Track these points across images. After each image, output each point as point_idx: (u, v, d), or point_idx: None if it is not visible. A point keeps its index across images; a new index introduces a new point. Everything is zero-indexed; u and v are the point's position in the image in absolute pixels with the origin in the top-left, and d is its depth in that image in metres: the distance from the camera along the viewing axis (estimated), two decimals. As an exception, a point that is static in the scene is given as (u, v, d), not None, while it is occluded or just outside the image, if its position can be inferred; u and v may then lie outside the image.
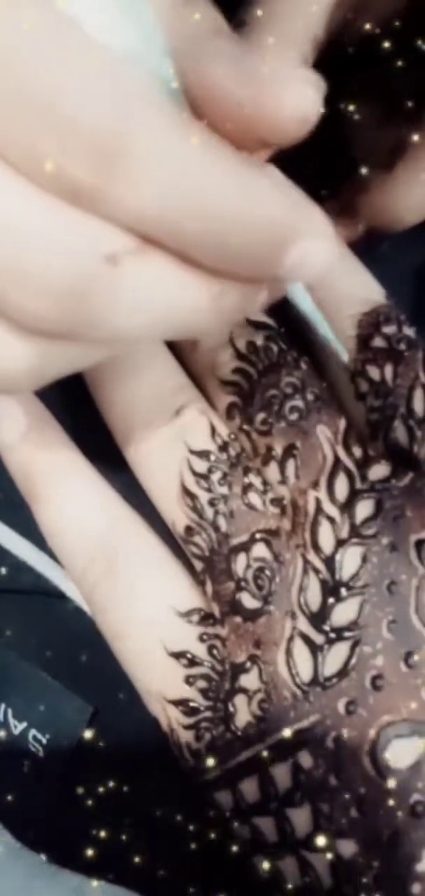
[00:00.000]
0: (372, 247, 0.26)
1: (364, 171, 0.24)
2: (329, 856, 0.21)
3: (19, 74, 0.15)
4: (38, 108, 0.15)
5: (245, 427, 0.24)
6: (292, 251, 0.17)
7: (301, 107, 0.16)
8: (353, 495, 0.23)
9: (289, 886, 0.21)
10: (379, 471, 0.23)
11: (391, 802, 0.21)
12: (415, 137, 0.23)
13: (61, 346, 0.17)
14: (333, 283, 0.25)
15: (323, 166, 0.24)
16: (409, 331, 0.25)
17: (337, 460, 0.23)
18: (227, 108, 0.16)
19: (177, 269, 0.17)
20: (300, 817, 0.21)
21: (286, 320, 0.25)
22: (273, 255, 0.17)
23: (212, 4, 0.18)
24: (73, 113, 0.15)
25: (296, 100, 0.16)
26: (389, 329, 0.24)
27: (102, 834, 0.24)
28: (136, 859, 0.23)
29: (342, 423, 0.24)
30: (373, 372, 0.24)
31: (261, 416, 0.24)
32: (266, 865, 0.22)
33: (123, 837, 0.24)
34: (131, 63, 0.15)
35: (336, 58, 0.24)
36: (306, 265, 0.17)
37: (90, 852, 0.23)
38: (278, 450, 0.24)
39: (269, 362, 0.25)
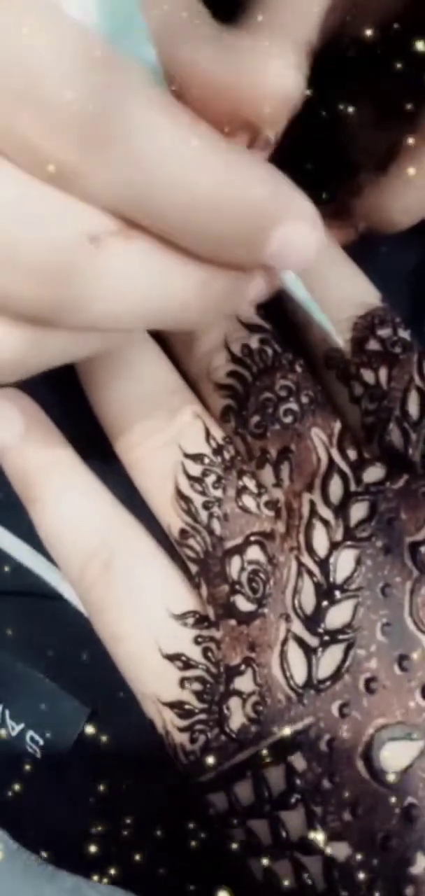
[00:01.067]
0: (368, 249, 0.26)
1: (359, 173, 0.24)
2: (323, 858, 0.21)
3: (0, 56, 0.15)
4: (20, 89, 0.15)
5: (240, 430, 0.24)
6: (275, 236, 0.17)
7: (281, 85, 0.16)
8: (347, 498, 0.23)
9: (284, 888, 0.21)
10: (373, 473, 0.23)
11: (384, 805, 0.21)
12: (410, 140, 0.23)
13: (48, 334, 0.17)
14: (329, 286, 0.25)
15: (318, 168, 0.24)
16: (404, 333, 0.25)
17: (331, 463, 0.24)
18: (209, 90, 0.16)
19: (162, 254, 0.17)
20: (294, 819, 0.21)
21: (281, 323, 0.25)
22: (256, 240, 0.17)
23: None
24: (54, 95, 0.15)
25: (277, 78, 0.16)
26: (384, 332, 0.24)
27: (100, 834, 0.24)
28: (135, 858, 0.24)
29: (337, 426, 0.24)
30: (368, 375, 0.24)
31: (255, 418, 0.24)
32: (260, 867, 0.22)
33: (121, 837, 0.24)
34: (113, 46, 0.15)
35: (332, 61, 0.24)
36: (290, 250, 0.17)
37: (88, 852, 0.24)
38: (273, 452, 0.24)
39: (264, 365, 0.25)
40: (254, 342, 0.25)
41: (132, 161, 0.15)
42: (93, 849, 0.23)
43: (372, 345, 0.24)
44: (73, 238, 0.16)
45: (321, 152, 0.24)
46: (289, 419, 0.24)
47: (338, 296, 0.25)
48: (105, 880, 0.23)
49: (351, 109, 0.24)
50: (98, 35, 0.15)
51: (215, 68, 0.16)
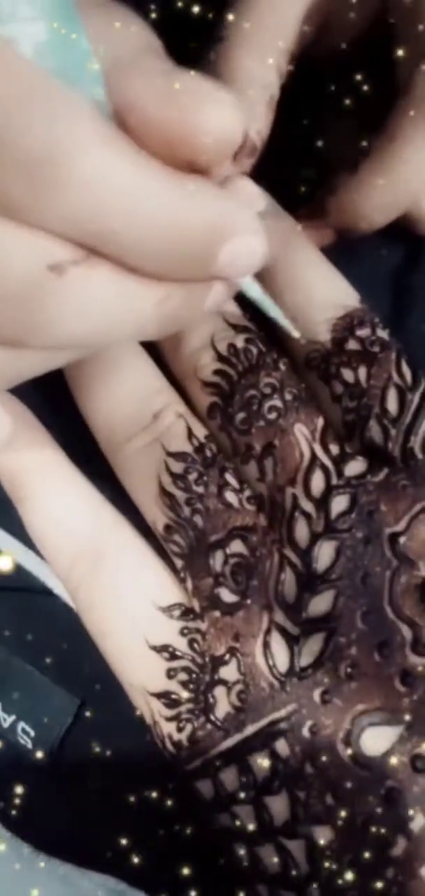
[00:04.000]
0: (347, 251, 0.27)
1: (333, 174, 0.25)
2: (306, 842, 0.21)
3: None
4: None
5: (225, 426, 0.25)
6: (224, 250, 0.18)
7: (221, 129, 0.17)
8: (329, 491, 0.24)
9: (269, 873, 0.22)
10: (355, 467, 0.24)
11: (365, 789, 0.21)
12: (378, 140, 0.23)
13: (16, 353, 0.18)
14: (308, 288, 0.25)
15: (294, 170, 0.25)
16: (383, 333, 0.25)
17: (313, 457, 0.24)
18: (153, 128, 0.17)
19: (120, 277, 0.18)
20: (278, 805, 0.22)
21: (265, 327, 0.26)
22: (206, 256, 0.18)
23: (151, 27, 0.19)
24: (7, 133, 0.16)
25: (215, 120, 0.17)
26: (363, 332, 0.25)
27: (91, 823, 0.25)
28: (124, 844, 0.24)
29: (320, 422, 0.25)
30: (348, 374, 0.25)
31: (240, 415, 0.25)
32: (246, 853, 0.22)
33: (112, 826, 0.25)
34: (64, 84, 0.16)
35: (307, 69, 0.25)
36: (239, 262, 0.18)
37: (79, 841, 0.24)
38: (257, 448, 0.25)
39: (249, 364, 0.25)
40: (239, 341, 0.26)
41: (83, 195, 0.16)
42: (83, 837, 0.24)
43: (352, 345, 0.25)
44: (34, 269, 0.17)
45: (297, 154, 0.25)
46: (273, 415, 0.25)
47: (318, 298, 0.25)
48: (95, 868, 0.24)
49: (325, 112, 0.25)
50: (48, 72, 0.16)
51: (158, 108, 0.17)
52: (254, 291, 0.21)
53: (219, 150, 0.18)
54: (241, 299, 0.26)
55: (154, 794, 0.24)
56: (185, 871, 0.23)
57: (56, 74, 0.16)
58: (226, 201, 0.18)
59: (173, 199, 0.17)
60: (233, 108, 0.17)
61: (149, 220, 0.17)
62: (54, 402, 0.26)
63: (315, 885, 0.21)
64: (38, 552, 0.25)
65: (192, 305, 0.19)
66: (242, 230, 0.18)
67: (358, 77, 0.25)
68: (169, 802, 0.24)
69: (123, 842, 0.24)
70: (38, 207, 0.16)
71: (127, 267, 0.18)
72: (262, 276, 0.26)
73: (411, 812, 0.21)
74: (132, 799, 0.24)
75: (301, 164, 0.26)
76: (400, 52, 0.24)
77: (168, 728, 0.23)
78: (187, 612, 0.24)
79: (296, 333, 0.24)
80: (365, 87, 0.24)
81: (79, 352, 0.21)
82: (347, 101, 0.25)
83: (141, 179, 0.17)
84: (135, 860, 0.24)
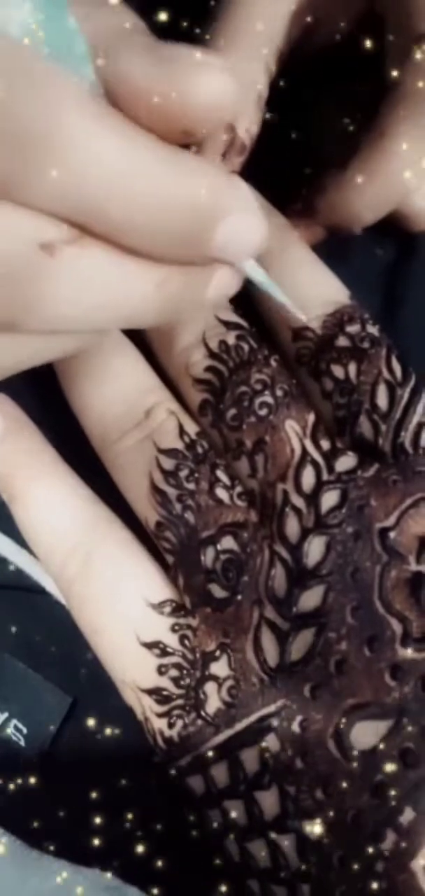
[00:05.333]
0: (338, 248, 0.27)
1: (322, 171, 0.25)
2: (296, 837, 0.21)
3: None
4: None
5: (217, 423, 0.25)
6: (220, 229, 0.18)
7: (211, 93, 0.17)
8: (319, 486, 0.24)
9: (260, 868, 0.22)
10: (345, 462, 0.24)
11: (355, 783, 0.21)
12: (368, 137, 0.23)
13: (16, 339, 0.18)
14: (298, 286, 0.25)
15: (283, 168, 0.25)
16: (373, 329, 0.25)
17: (304, 453, 0.24)
18: (143, 100, 0.17)
19: (117, 258, 0.18)
20: (268, 800, 0.22)
21: (256, 325, 0.26)
22: (201, 235, 0.18)
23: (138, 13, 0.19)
24: None
25: (207, 87, 0.17)
26: (353, 328, 0.25)
27: (85, 822, 0.25)
28: (117, 840, 0.24)
29: (311, 418, 0.25)
30: (338, 370, 0.25)
31: (232, 412, 0.25)
32: (236, 848, 0.22)
33: (106, 825, 0.25)
34: (53, 63, 0.16)
35: (295, 67, 0.25)
36: (236, 242, 0.18)
37: (72, 838, 0.24)
38: (248, 444, 0.25)
39: (240, 360, 0.25)
40: (230, 338, 0.26)
41: (72, 171, 0.16)
42: (76, 834, 0.24)
43: (342, 341, 0.25)
44: (25, 248, 0.17)
45: (285, 153, 0.25)
46: (264, 412, 0.25)
47: (307, 295, 0.25)
48: (89, 864, 0.24)
49: (315, 110, 0.25)
50: (36, 51, 0.16)
51: (147, 79, 0.17)
52: (258, 275, 0.21)
53: (210, 114, 0.17)
54: (232, 299, 0.26)
55: (147, 791, 0.24)
56: (180, 866, 0.23)
57: (44, 55, 0.16)
58: (222, 179, 0.18)
59: (165, 173, 0.17)
60: (223, 71, 0.17)
61: (140, 195, 0.17)
62: (46, 401, 0.26)
63: (305, 880, 0.21)
64: (30, 550, 0.26)
65: (194, 291, 0.19)
66: (239, 209, 0.18)
67: (347, 74, 0.25)
68: (162, 798, 0.24)
69: (116, 838, 0.24)
70: (28, 185, 0.16)
71: (122, 248, 0.18)
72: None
73: (400, 806, 0.21)
74: (125, 795, 0.24)
75: (291, 162, 0.26)
76: (388, 47, 0.24)
77: (159, 724, 0.23)
78: (178, 609, 0.24)
79: (303, 318, 0.24)
80: (354, 84, 0.24)
81: (78, 339, 0.20)
82: (336, 99, 0.25)
83: (131, 154, 0.17)
84: (129, 856, 0.24)
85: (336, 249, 0.27)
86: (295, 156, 0.26)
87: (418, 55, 0.23)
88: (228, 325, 0.26)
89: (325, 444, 0.24)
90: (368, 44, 0.24)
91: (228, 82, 0.17)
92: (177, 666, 0.23)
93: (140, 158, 0.17)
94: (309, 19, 0.24)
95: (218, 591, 0.24)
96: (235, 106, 0.17)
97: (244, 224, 0.18)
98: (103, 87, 0.17)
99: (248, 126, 0.25)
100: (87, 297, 0.18)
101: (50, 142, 0.16)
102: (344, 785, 0.21)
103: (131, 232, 0.17)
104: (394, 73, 0.23)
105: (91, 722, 0.25)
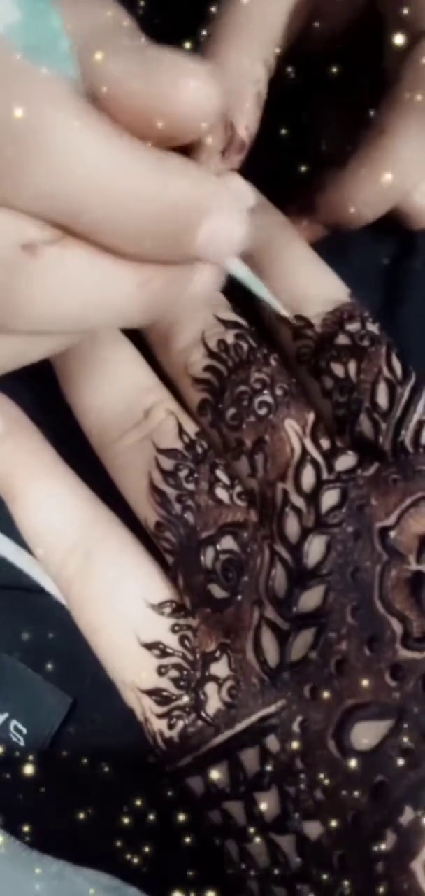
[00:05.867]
0: (338, 246, 0.27)
1: (321, 169, 0.25)
2: (296, 837, 0.21)
3: None
4: None
5: (216, 423, 0.25)
6: (202, 229, 0.18)
7: (194, 100, 0.17)
8: (319, 485, 0.24)
9: (259, 868, 0.22)
10: (345, 461, 0.24)
11: (355, 784, 0.21)
12: (367, 134, 0.23)
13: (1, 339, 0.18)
14: (297, 284, 0.25)
15: (281, 167, 0.25)
16: (373, 327, 0.25)
17: (304, 452, 0.24)
18: (127, 103, 0.17)
19: (98, 258, 0.18)
20: (268, 800, 0.22)
21: (256, 319, 0.26)
22: (183, 235, 0.18)
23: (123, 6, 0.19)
24: None
25: (191, 91, 0.17)
26: (353, 326, 0.25)
27: (85, 822, 0.25)
28: (117, 841, 0.24)
29: (310, 417, 0.25)
30: (338, 369, 0.25)
31: (231, 411, 0.25)
32: (236, 848, 0.22)
33: (106, 825, 0.25)
34: (36, 62, 0.16)
35: (295, 64, 0.25)
36: (218, 242, 0.18)
37: (72, 838, 0.24)
38: (248, 444, 0.25)
39: (239, 360, 0.25)
40: (229, 337, 0.26)
41: (52, 169, 0.16)
42: (76, 835, 0.24)
43: (342, 339, 0.25)
44: (7, 248, 0.17)
45: (286, 150, 0.25)
46: (263, 411, 0.25)
47: (307, 293, 0.25)
48: (89, 865, 0.24)
49: (314, 107, 0.25)
50: (19, 50, 0.16)
51: (130, 80, 0.17)
52: (242, 272, 0.21)
53: (195, 120, 0.17)
54: (232, 295, 0.26)
55: (147, 791, 0.24)
56: (179, 867, 0.23)
57: (27, 53, 0.16)
58: (204, 179, 0.18)
59: (147, 173, 0.17)
60: (209, 77, 0.17)
61: (121, 194, 0.17)
62: (46, 401, 0.26)
63: (305, 881, 0.21)
64: (29, 550, 0.26)
65: (176, 290, 0.19)
66: (221, 209, 0.18)
67: (347, 71, 0.24)
68: (161, 799, 0.24)
69: (116, 838, 0.24)
70: (9, 185, 0.16)
71: (104, 248, 0.18)
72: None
73: (400, 806, 0.21)
74: (124, 796, 0.24)
75: (290, 159, 0.26)
76: (388, 43, 0.24)
77: (159, 725, 0.23)
78: (178, 609, 0.24)
79: (286, 313, 0.24)
80: (354, 82, 0.24)
81: (62, 339, 0.20)
82: (336, 96, 0.25)
83: (114, 154, 0.17)
84: (128, 857, 0.24)
85: (336, 247, 0.27)
86: (294, 153, 0.26)
87: (418, 52, 0.22)
88: (227, 325, 0.26)
89: (325, 444, 0.24)
90: (368, 41, 0.23)
91: (213, 90, 0.17)
92: (178, 667, 0.23)
93: (121, 158, 0.17)
94: (308, 17, 0.24)
95: (218, 592, 0.23)
96: (219, 114, 0.17)
97: (226, 223, 0.18)
98: (86, 86, 0.17)
99: (248, 124, 0.24)
100: (69, 298, 0.18)
101: (31, 140, 0.16)
102: (344, 785, 0.21)
103: (112, 231, 0.17)
104: (394, 71, 0.23)
105: (91, 722, 0.25)
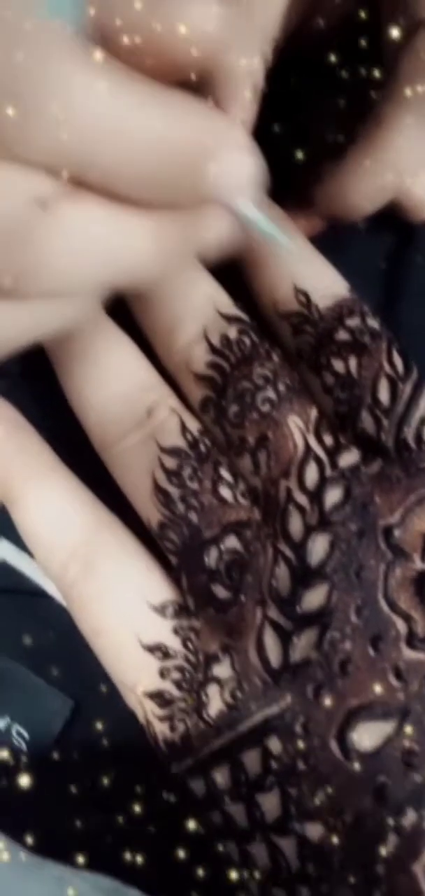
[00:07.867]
0: (338, 240, 0.26)
1: (319, 162, 0.24)
2: (297, 839, 0.21)
3: None
4: None
5: (219, 420, 0.25)
6: (211, 167, 0.18)
7: (200, 25, 0.17)
8: (323, 483, 0.23)
9: (260, 870, 0.22)
10: (349, 458, 0.24)
11: (357, 785, 0.21)
12: (366, 126, 0.23)
13: (15, 308, 0.18)
14: (297, 279, 0.25)
15: (279, 161, 0.24)
16: (373, 322, 0.25)
17: (307, 449, 0.24)
18: (131, 37, 0.17)
19: (111, 210, 0.18)
20: (269, 802, 0.22)
21: (258, 314, 0.26)
22: (193, 175, 0.18)
23: None
24: None
25: (195, 19, 0.17)
26: (353, 322, 0.25)
27: (87, 826, 0.24)
28: (118, 844, 0.24)
29: (313, 413, 0.24)
30: (338, 365, 0.25)
31: (234, 408, 0.25)
32: (237, 850, 0.22)
33: (108, 829, 0.25)
34: (43, 10, 0.16)
35: (292, 56, 0.24)
36: (229, 179, 0.18)
37: (75, 844, 0.24)
38: (251, 441, 0.24)
39: (242, 355, 0.25)
40: (232, 332, 0.25)
41: (62, 116, 0.16)
42: (79, 840, 0.24)
43: (342, 335, 0.25)
44: (20, 204, 0.17)
45: (282, 143, 0.25)
46: (266, 407, 0.24)
47: (307, 288, 0.25)
48: (91, 871, 0.23)
49: (312, 100, 0.24)
50: (26, 1, 0.16)
51: (135, 15, 0.17)
52: (253, 213, 0.21)
53: (197, 44, 0.17)
54: (232, 293, 0.26)
55: (149, 794, 0.24)
56: (181, 869, 0.23)
57: (35, 2, 0.16)
58: (212, 117, 0.18)
59: (156, 112, 0.17)
60: (215, 8, 0.17)
61: (132, 136, 0.17)
62: (46, 402, 0.26)
63: (305, 882, 0.21)
64: (30, 553, 0.25)
65: (190, 237, 0.19)
66: (230, 146, 0.18)
67: (345, 62, 0.24)
68: (163, 802, 0.24)
69: (118, 841, 0.24)
70: (20, 139, 0.16)
71: (116, 198, 0.18)
72: (250, 265, 0.26)
73: (402, 808, 0.20)
74: (126, 799, 0.24)
75: (288, 152, 0.25)
76: (386, 35, 0.23)
77: (161, 727, 0.23)
78: (181, 610, 0.24)
79: (292, 247, 0.23)
80: (352, 73, 0.24)
81: (76, 304, 0.20)
82: (334, 88, 0.25)
83: (122, 96, 0.17)
84: (130, 859, 0.24)
85: (334, 241, 0.26)
86: (292, 147, 0.25)
87: (416, 44, 0.22)
88: (229, 319, 0.25)
89: (328, 440, 0.24)
90: (366, 32, 0.23)
91: (214, 11, 0.17)
92: (180, 668, 0.23)
93: (130, 98, 0.17)
94: (306, 8, 0.24)
95: (221, 592, 0.23)
96: (224, 36, 0.17)
97: (237, 160, 0.18)
98: (93, 29, 0.17)
99: (244, 117, 0.24)
100: (85, 252, 0.18)
101: (39, 88, 0.16)
102: (346, 787, 0.21)
103: (125, 177, 0.17)
104: (392, 62, 0.23)
105: (93, 726, 0.25)
